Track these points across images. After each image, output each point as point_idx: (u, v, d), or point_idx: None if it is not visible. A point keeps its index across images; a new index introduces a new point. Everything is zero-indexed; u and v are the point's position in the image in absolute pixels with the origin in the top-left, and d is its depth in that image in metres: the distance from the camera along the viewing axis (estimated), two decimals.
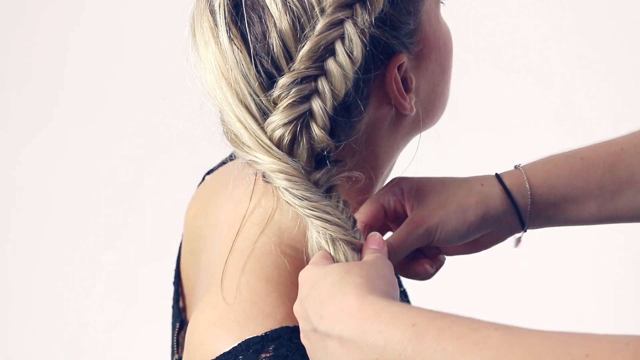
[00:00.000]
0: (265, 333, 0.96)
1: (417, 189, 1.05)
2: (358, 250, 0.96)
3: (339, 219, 0.95)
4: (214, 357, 0.97)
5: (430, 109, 1.05)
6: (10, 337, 2.67)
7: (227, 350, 0.96)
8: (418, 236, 1.02)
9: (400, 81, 0.98)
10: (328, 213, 0.95)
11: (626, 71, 2.53)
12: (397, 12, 0.97)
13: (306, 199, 0.95)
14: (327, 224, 0.95)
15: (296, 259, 1.02)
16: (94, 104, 2.64)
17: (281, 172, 0.94)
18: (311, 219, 0.95)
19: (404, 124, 1.03)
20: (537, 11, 2.57)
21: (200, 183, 1.25)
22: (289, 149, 0.95)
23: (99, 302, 2.65)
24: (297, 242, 1.02)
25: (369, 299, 0.86)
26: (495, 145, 2.52)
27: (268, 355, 0.94)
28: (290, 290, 1.00)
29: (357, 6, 0.93)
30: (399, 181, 1.05)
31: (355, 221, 0.98)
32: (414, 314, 0.84)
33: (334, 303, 0.88)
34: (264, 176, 0.99)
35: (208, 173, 1.25)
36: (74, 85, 2.65)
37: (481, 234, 1.05)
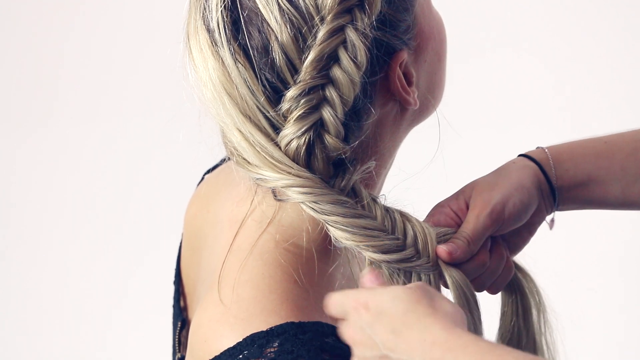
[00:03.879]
0: (270, 328, 0.96)
1: (469, 189, 1.06)
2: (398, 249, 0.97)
3: (374, 226, 0.96)
4: (218, 353, 0.97)
5: (429, 99, 1.06)
6: (7, 336, 2.67)
7: (231, 345, 0.96)
8: (487, 217, 1.02)
9: (403, 77, 0.99)
10: (362, 227, 0.96)
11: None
12: (395, 11, 0.97)
13: (332, 213, 0.95)
14: (361, 239, 0.96)
15: (299, 255, 1.02)
16: (91, 102, 2.64)
17: (295, 187, 0.94)
18: (341, 231, 0.96)
19: (406, 118, 1.04)
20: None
21: (200, 182, 1.26)
22: (306, 160, 0.95)
23: (97, 302, 2.64)
24: (299, 239, 1.02)
25: (457, 331, 0.87)
26: (498, 143, 2.51)
27: (273, 350, 0.94)
28: (293, 287, 1.01)
29: (356, 10, 0.94)
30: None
31: (392, 213, 0.98)
32: (501, 352, 0.85)
33: (414, 333, 0.88)
34: (275, 194, 0.99)
35: (208, 172, 1.26)
36: (71, 84, 2.64)
37: (536, 206, 1.06)
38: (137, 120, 2.61)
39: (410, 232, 0.98)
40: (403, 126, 1.04)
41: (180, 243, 1.25)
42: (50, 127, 2.65)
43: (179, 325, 1.21)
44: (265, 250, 1.02)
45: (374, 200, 0.98)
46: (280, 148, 0.95)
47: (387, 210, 0.98)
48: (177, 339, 1.21)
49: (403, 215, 0.99)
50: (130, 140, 2.63)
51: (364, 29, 0.93)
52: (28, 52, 2.64)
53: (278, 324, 0.96)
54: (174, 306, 1.24)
